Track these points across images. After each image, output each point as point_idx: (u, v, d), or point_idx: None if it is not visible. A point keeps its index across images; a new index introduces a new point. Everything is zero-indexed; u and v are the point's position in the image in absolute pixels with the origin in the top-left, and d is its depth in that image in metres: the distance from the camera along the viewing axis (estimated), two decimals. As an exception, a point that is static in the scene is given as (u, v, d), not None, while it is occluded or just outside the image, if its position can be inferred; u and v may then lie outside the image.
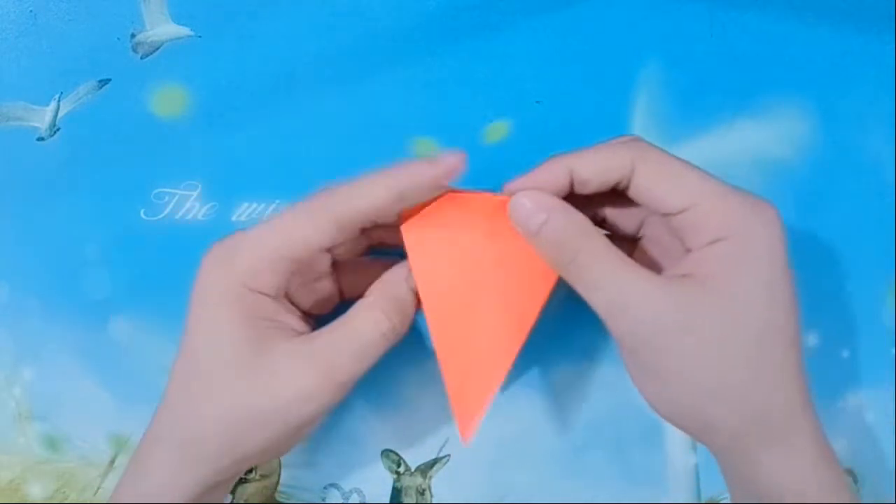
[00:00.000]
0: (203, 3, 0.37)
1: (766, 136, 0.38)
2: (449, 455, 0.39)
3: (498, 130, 0.38)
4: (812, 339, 0.39)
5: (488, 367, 0.31)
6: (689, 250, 0.29)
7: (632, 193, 0.30)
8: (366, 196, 0.29)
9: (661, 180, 0.29)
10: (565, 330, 0.38)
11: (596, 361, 0.38)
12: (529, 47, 0.38)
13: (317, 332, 0.30)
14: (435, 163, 0.29)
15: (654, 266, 0.33)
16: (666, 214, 0.30)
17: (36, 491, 0.39)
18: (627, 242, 0.34)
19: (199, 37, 0.37)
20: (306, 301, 0.33)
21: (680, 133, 0.38)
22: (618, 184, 0.30)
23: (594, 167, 0.30)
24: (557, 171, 0.30)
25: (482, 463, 0.39)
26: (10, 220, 0.38)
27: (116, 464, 0.39)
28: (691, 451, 0.39)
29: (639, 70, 0.38)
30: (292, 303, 0.33)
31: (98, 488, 0.39)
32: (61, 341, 0.38)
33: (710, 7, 0.38)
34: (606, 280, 0.29)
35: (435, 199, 0.31)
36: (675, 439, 0.38)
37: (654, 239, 0.33)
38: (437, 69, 0.38)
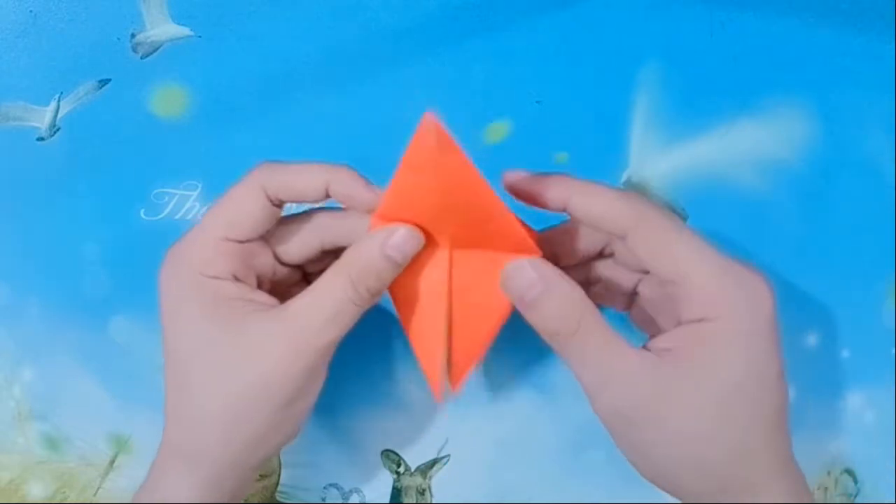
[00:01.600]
0: (203, 3, 0.37)
1: (766, 136, 0.38)
2: (449, 455, 0.39)
3: (498, 130, 0.38)
4: (812, 339, 0.39)
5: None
6: (678, 322, 0.29)
7: (624, 254, 0.31)
8: (300, 182, 0.30)
9: (655, 247, 0.29)
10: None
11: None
12: (529, 47, 0.38)
13: (287, 303, 0.30)
14: (370, 189, 0.30)
15: (649, 324, 0.33)
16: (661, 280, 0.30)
17: (36, 491, 0.39)
18: (625, 296, 0.34)
19: (199, 37, 0.37)
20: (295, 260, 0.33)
21: (680, 133, 0.38)
22: (605, 246, 0.32)
23: (592, 211, 0.29)
24: (556, 194, 0.30)
25: (482, 463, 0.39)
26: (10, 220, 0.38)
27: (116, 464, 0.39)
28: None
29: (639, 70, 0.38)
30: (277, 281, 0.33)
31: (98, 488, 0.39)
32: (61, 341, 0.38)
33: (710, 7, 0.38)
34: (590, 358, 0.29)
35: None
36: (675, 439, 0.38)
37: (651, 297, 0.33)
38: (437, 69, 0.38)
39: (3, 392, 0.38)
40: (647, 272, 0.32)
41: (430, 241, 0.30)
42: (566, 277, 0.29)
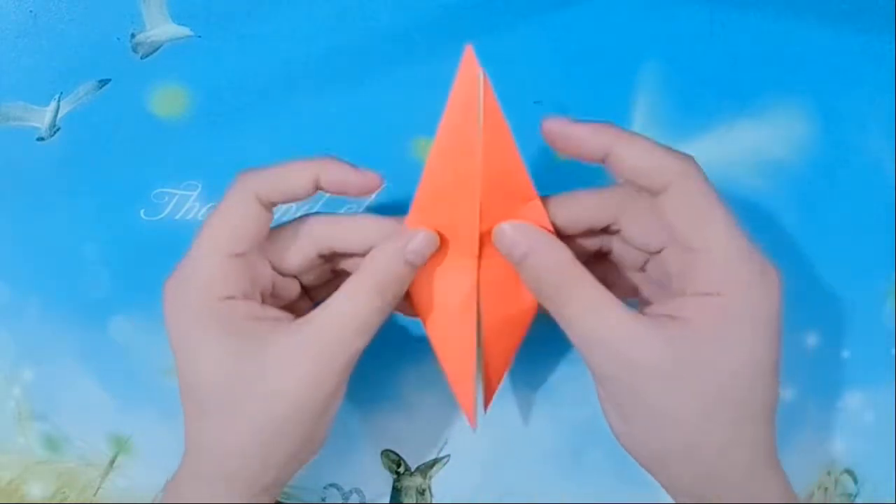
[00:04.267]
0: (203, 3, 0.37)
1: (766, 136, 0.38)
2: (449, 455, 0.39)
3: (498, 130, 0.38)
4: (812, 339, 0.39)
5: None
6: (682, 293, 0.29)
7: (633, 234, 0.31)
8: (289, 180, 0.30)
9: (690, 210, 0.28)
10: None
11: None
12: (529, 47, 0.38)
13: (307, 317, 0.29)
14: (360, 173, 0.30)
15: (652, 300, 0.33)
16: (682, 246, 0.29)
17: (36, 491, 0.39)
18: (633, 272, 0.33)
19: (199, 37, 0.37)
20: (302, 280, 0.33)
21: (680, 133, 0.38)
22: (612, 223, 0.31)
23: (635, 162, 0.28)
24: (598, 142, 0.29)
25: (482, 463, 0.39)
26: (10, 220, 0.38)
27: (116, 464, 0.39)
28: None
29: (639, 70, 0.38)
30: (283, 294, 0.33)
31: (98, 488, 0.39)
32: (61, 341, 0.38)
33: (710, 7, 0.38)
34: (582, 315, 0.28)
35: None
36: (675, 439, 0.38)
37: (657, 277, 0.32)
38: (437, 69, 0.38)
39: (3, 392, 0.38)
40: (651, 253, 0.31)
41: (458, 248, 0.30)
42: (552, 239, 0.29)
